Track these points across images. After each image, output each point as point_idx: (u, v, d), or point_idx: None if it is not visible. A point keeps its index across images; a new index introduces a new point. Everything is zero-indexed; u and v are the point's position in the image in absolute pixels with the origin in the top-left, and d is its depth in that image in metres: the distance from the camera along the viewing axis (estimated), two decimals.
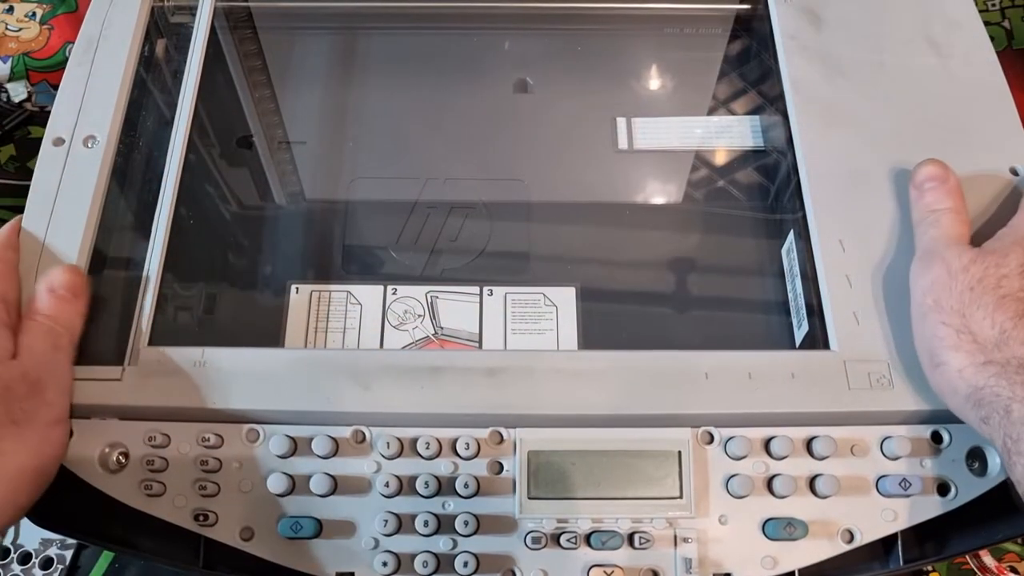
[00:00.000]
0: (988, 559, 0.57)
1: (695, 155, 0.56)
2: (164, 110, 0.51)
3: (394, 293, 0.50)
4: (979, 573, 0.57)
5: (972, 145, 0.47)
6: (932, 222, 0.42)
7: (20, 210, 0.45)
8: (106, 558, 0.55)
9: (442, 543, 0.41)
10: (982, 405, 0.37)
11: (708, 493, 0.41)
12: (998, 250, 0.40)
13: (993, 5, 0.75)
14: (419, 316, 0.50)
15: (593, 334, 0.49)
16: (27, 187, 0.45)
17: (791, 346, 0.47)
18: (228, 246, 0.55)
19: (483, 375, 0.41)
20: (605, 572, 0.40)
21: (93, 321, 0.44)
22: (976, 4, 0.53)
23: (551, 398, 0.41)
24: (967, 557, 0.57)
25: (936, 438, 0.42)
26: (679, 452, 0.41)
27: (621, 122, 0.57)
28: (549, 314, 0.50)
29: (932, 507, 0.41)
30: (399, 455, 0.41)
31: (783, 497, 0.41)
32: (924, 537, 0.42)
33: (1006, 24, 0.74)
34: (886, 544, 0.42)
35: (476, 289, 0.50)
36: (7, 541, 0.55)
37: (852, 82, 0.50)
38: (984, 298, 0.38)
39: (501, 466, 0.41)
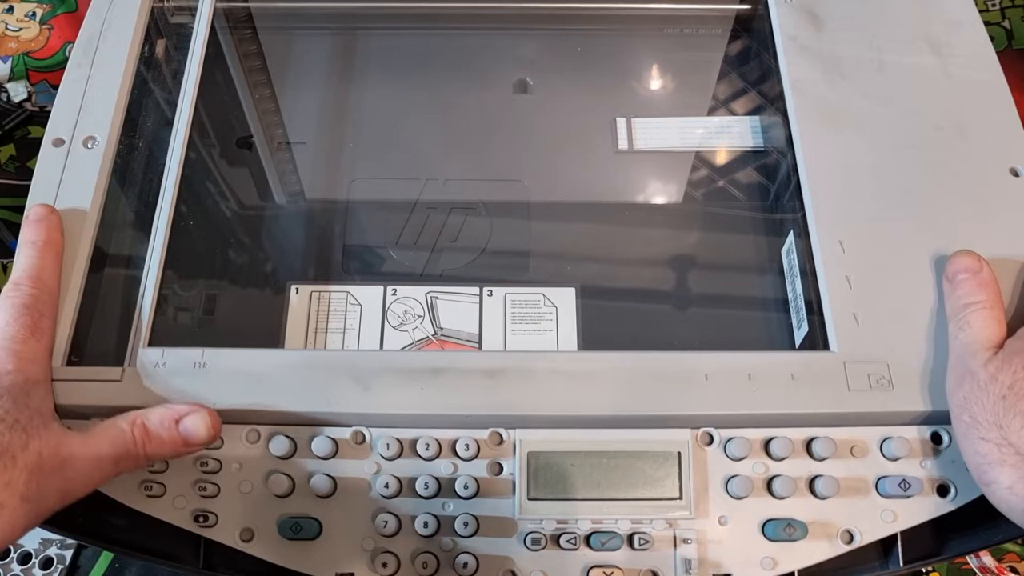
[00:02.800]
0: (988, 559, 0.57)
1: (695, 155, 0.56)
2: (164, 110, 0.51)
3: (394, 294, 0.50)
4: (979, 573, 0.57)
5: (972, 145, 0.47)
6: (962, 323, 0.40)
7: (20, 210, 0.45)
8: (106, 558, 0.55)
9: (442, 544, 0.41)
10: None
11: (708, 494, 0.41)
12: (1022, 350, 0.38)
13: (993, 5, 0.75)
14: (419, 317, 0.50)
15: (593, 335, 0.49)
16: (27, 187, 0.45)
17: (791, 347, 0.47)
18: (228, 246, 0.55)
19: (483, 376, 0.41)
20: (605, 573, 0.40)
21: (93, 321, 0.44)
22: (976, 4, 0.53)
23: (551, 399, 0.41)
24: (967, 557, 0.57)
25: (936, 439, 0.41)
26: (679, 453, 0.41)
27: (621, 122, 0.57)
28: (549, 314, 0.50)
29: (932, 508, 0.41)
30: (399, 456, 0.41)
31: (783, 498, 0.41)
32: (924, 537, 0.42)
33: (1006, 24, 0.74)
34: (886, 545, 0.42)
35: (476, 289, 0.50)
36: None
37: (852, 82, 0.49)
38: (1019, 405, 0.36)
39: (501, 467, 0.41)
